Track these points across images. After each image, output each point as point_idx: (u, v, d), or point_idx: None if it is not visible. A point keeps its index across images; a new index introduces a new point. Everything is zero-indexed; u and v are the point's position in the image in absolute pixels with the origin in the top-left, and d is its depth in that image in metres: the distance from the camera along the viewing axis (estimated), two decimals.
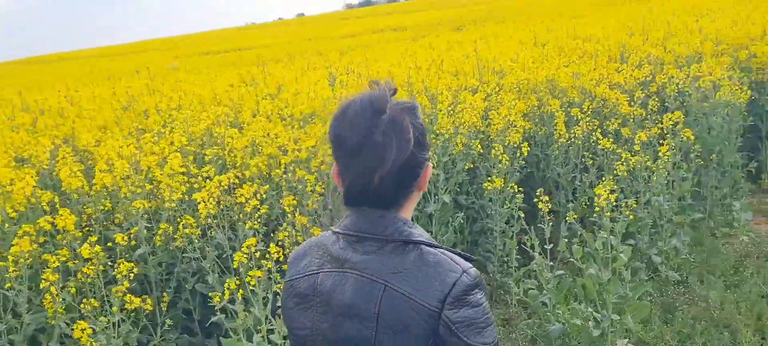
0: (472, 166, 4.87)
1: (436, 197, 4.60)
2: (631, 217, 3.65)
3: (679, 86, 6.21)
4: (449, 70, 6.09)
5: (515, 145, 4.91)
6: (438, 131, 4.68)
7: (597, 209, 3.60)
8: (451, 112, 4.83)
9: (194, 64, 21.68)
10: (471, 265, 1.40)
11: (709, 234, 5.64)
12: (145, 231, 3.39)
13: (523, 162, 5.03)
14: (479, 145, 4.82)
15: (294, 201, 3.61)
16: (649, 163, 4.97)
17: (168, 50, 35.87)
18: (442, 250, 1.40)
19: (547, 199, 3.89)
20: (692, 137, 5.45)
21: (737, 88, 6.21)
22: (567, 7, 22.93)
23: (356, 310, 1.37)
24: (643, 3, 17.34)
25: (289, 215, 3.60)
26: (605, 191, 3.59)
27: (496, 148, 4.68)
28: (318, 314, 1.43)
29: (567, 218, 3.73)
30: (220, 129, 4.14)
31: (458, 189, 5.00)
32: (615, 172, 4.87)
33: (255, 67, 5.97)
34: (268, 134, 3.97)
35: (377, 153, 1.33)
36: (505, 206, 4.62)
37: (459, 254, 1.41)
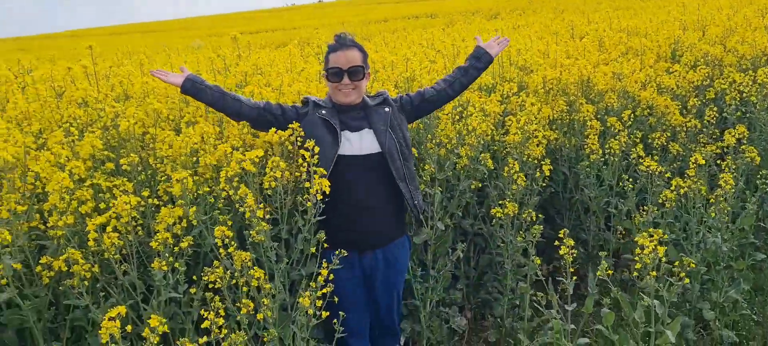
0: (479, 185, 3.90)
1: (432, 221, 3.67)
2: (683, 276, 2.65)
3: (743, 94, 5.14)
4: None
5: (535, 162, 3.93)
6: (439, 139, 3.72)
7: (637, 265, 2.62)
8: (456, 117, 3.87)
9: (218, 43, 20.95)
10: None
11: None
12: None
13: (545, 183, 4.05)
14: (490, 160, 3.86)
15: (229, 232, 2.72)
16: (704, 191, 3.95)
17: (198, 29, 35.28)
18: None
19: (572, 244, 2.89)
20: (757, 158, 4.40)
21: None
22: None
23: None
24: None
25: (221, 250, 2.72)
26: (650, 242, 2.60)
27: (511, 165, 3.72)
28: None
29: (598, 273, 2.74)
30: (154, 130, 3.25)
31: (463, 213, 4.04)
32: (660, 199, 3.85)
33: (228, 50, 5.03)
34: (206, 139, 3.06)
35: None
36: (518, 237, 3.66)
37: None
